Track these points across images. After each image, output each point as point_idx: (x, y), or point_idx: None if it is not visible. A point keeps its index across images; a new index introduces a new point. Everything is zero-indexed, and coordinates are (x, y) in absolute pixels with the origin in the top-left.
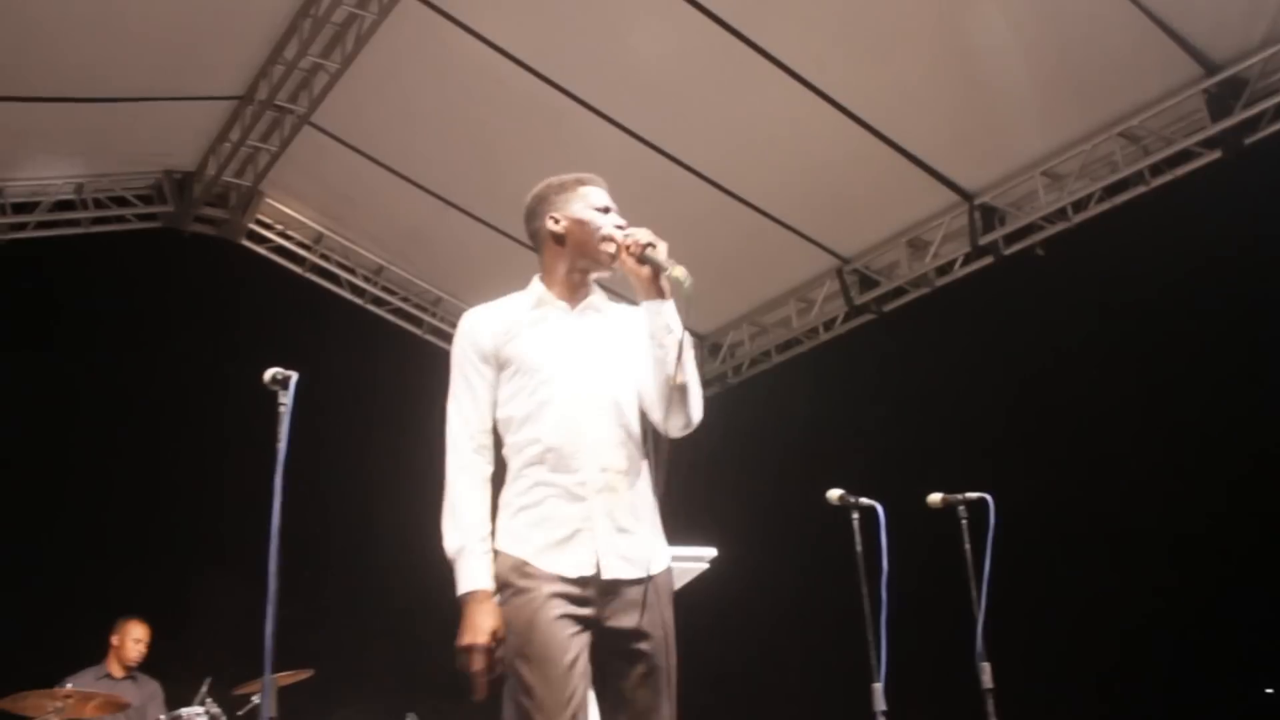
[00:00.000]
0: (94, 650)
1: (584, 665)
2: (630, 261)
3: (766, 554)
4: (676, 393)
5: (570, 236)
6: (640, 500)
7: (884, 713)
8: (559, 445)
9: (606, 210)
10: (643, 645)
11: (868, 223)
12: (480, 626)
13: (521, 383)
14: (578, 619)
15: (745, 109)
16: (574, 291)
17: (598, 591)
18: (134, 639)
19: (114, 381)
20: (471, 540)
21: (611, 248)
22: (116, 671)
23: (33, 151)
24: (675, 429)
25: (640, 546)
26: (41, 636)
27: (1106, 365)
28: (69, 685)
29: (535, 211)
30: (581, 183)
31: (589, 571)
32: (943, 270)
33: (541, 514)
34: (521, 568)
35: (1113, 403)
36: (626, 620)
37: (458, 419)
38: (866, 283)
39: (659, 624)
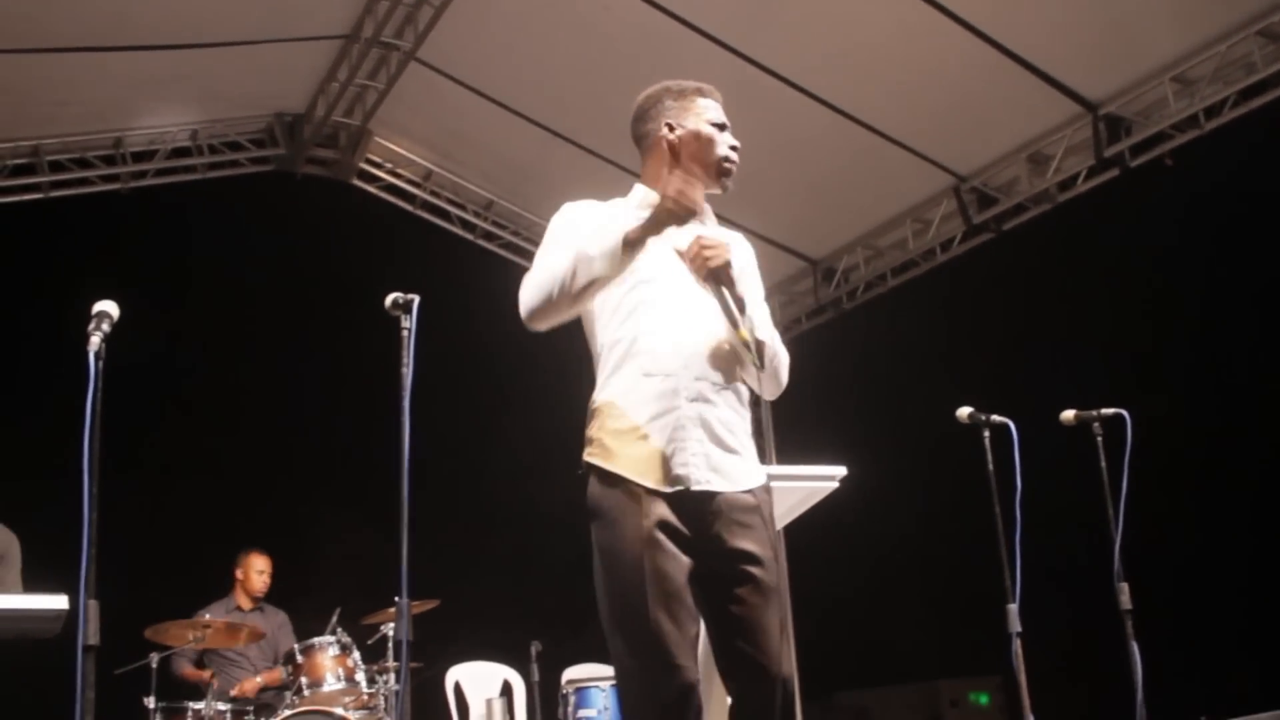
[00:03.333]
0: (222, 583)
1: (688, 599)
2: (696, 269)
3: (891, 475)
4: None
5: (685, 147)
6: (737, 418)
7: (1019, 634)
8: (653, 348)
9: (723, 127)
10: (749, 566)
11: (986, 138)
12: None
13: (618, 279)
14: (678, 540)
15: (855, 22)
16: None
17: (695, 507)
18: (257, 570)
19: (235, 320)
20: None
21: (728, 171)
22: (245, 603)
23: (148, 100)
24: (767, 395)
25: (735, 461)
26: (173, 569)
27: (1239, 281)
28: (206, 616)
29: (648, 114)
30: (701, 93)
31: (681, 486)
32: (1065, 185)
33: (632, 424)
34: (614, 484)
35: (1248, 319)
36: (728, 536)
37: (537, 265)
38: (985, 201)
39: (765, 542)
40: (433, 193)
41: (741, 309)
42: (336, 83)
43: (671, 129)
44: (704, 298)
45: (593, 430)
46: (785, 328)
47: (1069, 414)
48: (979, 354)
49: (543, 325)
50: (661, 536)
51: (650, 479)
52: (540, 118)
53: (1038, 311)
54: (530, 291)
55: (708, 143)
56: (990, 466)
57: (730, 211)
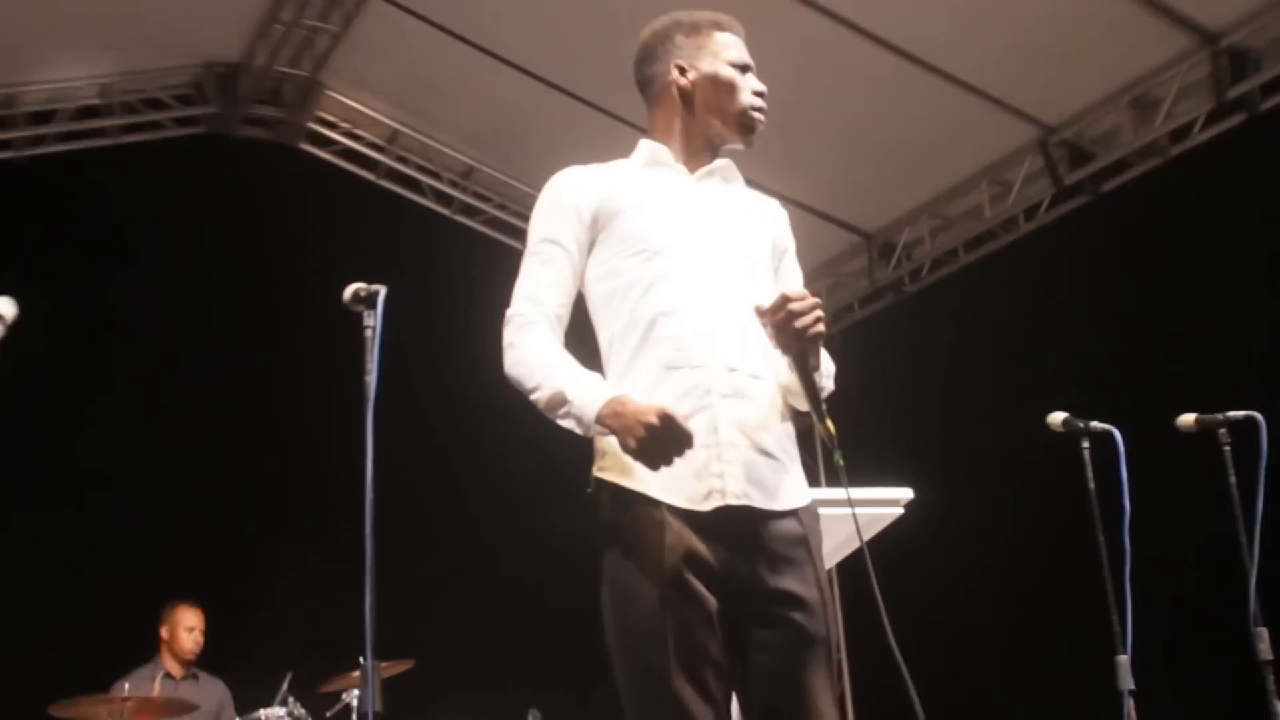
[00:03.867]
0: (146, 646)
1: (718, 655)
2: (780, 337)
3: (968, 497)
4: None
5: (699, 95)
6: (777, 419)
7: (1132, 692)
8: (676, 335)
9: (746, 69)
10: (792, 612)
11: (1078, 79)
12: (643, 409)
13: (625, 254)
14: (706, 576)
15: None
16: (693, 157)
17: (730, 530)
18: (186, 627)
19: (156, 318)
20: (565, 372)
21: (756, 122)
22: (175, 670)
23: (49, 49)
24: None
25: (778, 473)
26: (87, 630)
27: None
28: (125, 688)
29: (654, 54)
30: (718, 26)
31: (721, 501)
32: (1178, 135)
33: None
34: (628, 501)
35: None
36: (768, 572)
37: (522, 296)
38: (1079, 156)
39: (812, 581)
40: (399, 158)
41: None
42: (280, 25)
43: (682, 72)
44: (732, 269)
45: (603, 440)
46: (835, 316)
47: (1189, 418)
48: (1074, 346)
49: None
50: (689, 576)
51: (677, 495)
52: (530, 64)
53: (1146, 293)
54: (511, 367)
55: (727, 88)
56: (1091, 485)
57: (762, 174)
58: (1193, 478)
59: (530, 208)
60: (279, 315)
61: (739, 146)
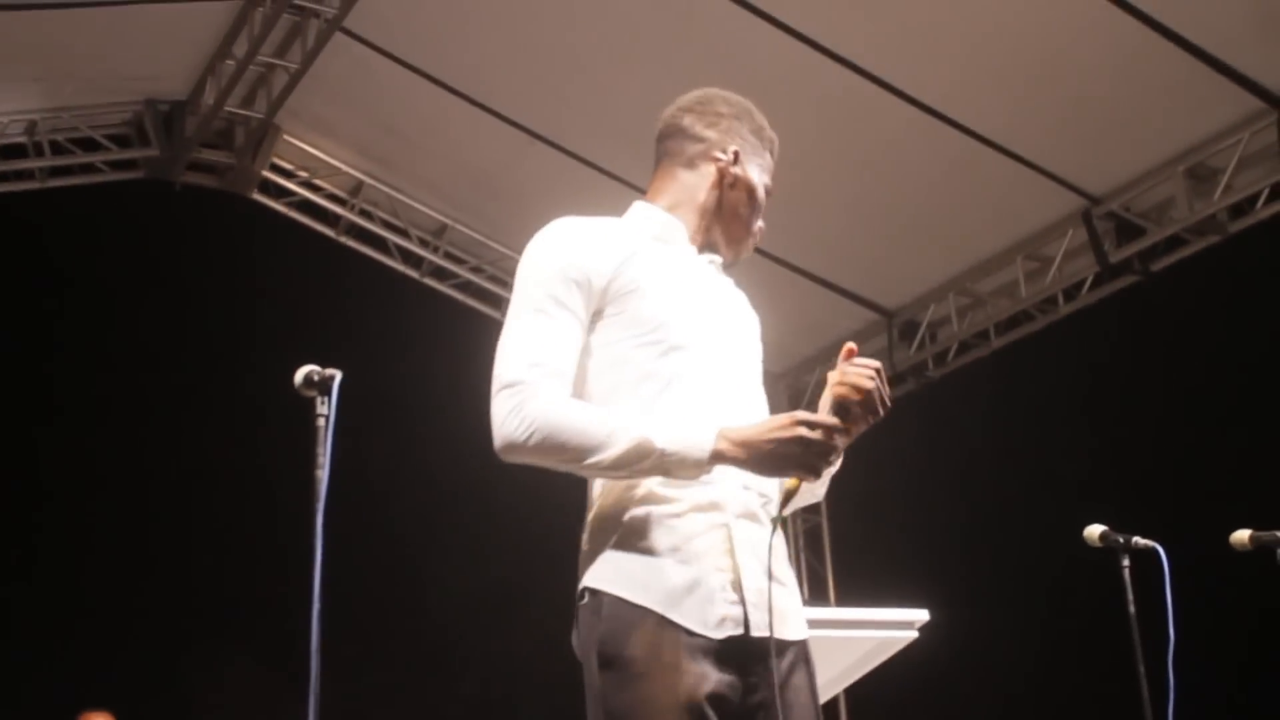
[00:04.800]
0: None
1: None
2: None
3: (993, 616)
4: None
5: (733, 192)
6: (781, 544)
7: None
8: None
9: (768, 194)
10: None
11: (1128, 145)
12: (777, 423)
13: (637, 342)
14: (716, 703)
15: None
16: (697, 238)
17: (743, 658)
18: None
19: (84, 389)
20: (632, 417)
21: (748, 245)
22: None
23: None
24: None
25: (791, 601)
26: None
27: None
28: None
29: (718, 121)
30: (772, 149)
31: (734, 630)
32: (1239, 210)
33: (664, 541)
34: (636, 624)
35: None
36: (781, 709)
37: (522, 360)
38: (1127, 230)
39: (811, 709)
40: (363, 212)
41: None
42: (232, 60)
43: (736, 159)
44: (745, 374)
45: (599, 544)
46: None
47: (1243, 535)
48: (1116, 446)
49: (517, 461)
50: (706, 709)
51: (693, 619)
52: (512, 112)
53: (1199, 388)
54: (536, 443)
55: (753, 206)
56: (1132, 608)
57: (779, 246)
58: (1246, 602)
59: (511, 271)
60: (224, 388)
61: (723, 258)
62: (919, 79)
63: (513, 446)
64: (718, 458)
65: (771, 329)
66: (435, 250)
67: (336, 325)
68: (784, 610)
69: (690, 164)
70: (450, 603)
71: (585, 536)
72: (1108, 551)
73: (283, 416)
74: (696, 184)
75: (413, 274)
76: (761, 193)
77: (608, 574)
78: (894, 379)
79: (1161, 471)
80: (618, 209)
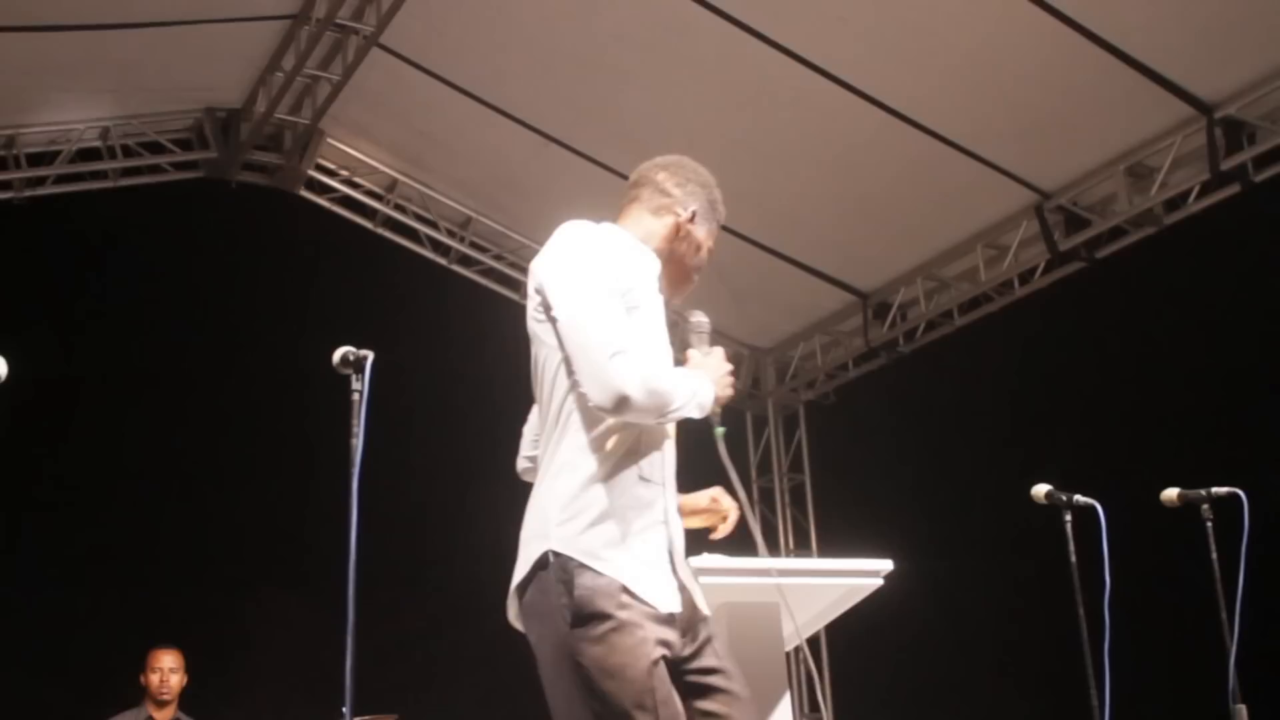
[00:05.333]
0: (134, 690)
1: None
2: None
3: (951, 567)
4: None
5: (682, 244)
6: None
7: None
8: (649, 451)
9: (710, 253)
10: (725, 682)
11: (1074, 146)
12: (718, 363)
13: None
14: (670, 665)
15: (911, 4)
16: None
17: (680, 628)
18: (166, 668)
19: (148, 365)
20: (683, 378)
21: (682, 295)
22: (158, 713)
23: (49, 92)
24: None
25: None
26: (76, 673)
27: None
28: None
29: (685, 185)
30: (722, 215)
31: (677, 607)
32: (1173, 204)
33: (633, 528)
34: (619, 596)
35: None
36: (707, 658)
37: (615, 332)
38: (1074, 222)
39: (731, 658)
40: (398, 207)
41: None
42: (281, 72)
43: (693, 219)
44: None
45: (584, 527)
46: (829, 375)
47: (1172, 493)
48: (1064, 413)
49: (628, 417)
50: (665, 657)
51: (654, 598)
52: (528, 117)
53: (1137, 362)
54: (655, 391)
55: (696, 260)
56: (1073, 558)
57: (764, 234)
58: (1175, 552)
59: (527, 259)
60: (273, 365)
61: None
62: (890, 87)
63: (626, 401)
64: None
65: (760, 309)
66: (461, 240)
67: (373, 307)
68: (694, 585)
69: (655, 212)
70: (475, 551)
71: (573, 519)
72: (1052, 508)
73: (324, 390)
74: (656, 230)
75: (441, 261)
76: (704, 252)
77: (589, 548)
78: (869, 354)
79: (1103, 436)
80: (619, 202)
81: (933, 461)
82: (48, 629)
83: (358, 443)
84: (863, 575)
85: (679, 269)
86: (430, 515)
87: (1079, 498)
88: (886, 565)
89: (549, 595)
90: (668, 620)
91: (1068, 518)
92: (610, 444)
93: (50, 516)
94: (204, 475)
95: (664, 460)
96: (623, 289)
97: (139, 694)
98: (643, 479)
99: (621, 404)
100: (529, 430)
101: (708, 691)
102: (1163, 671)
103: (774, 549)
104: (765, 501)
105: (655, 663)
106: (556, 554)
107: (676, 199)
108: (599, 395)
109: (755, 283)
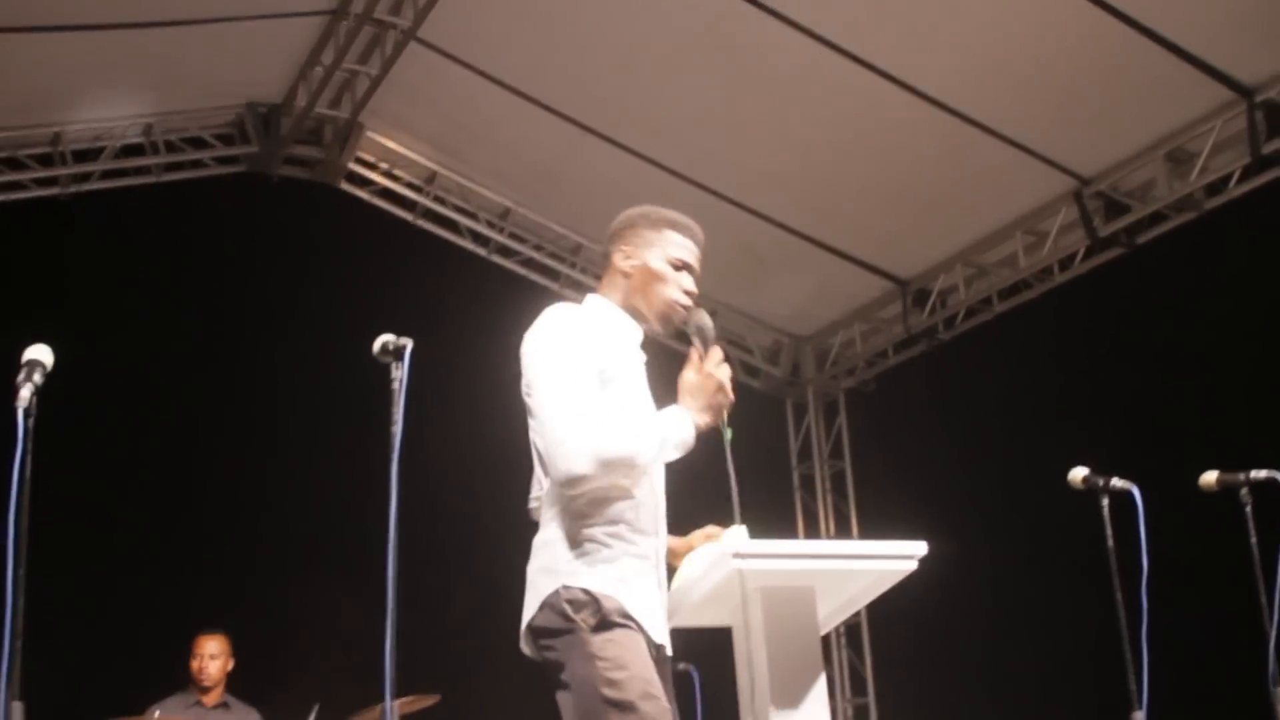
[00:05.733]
0: (183, 675)
1: None
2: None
3: (988, 550)
4: None
5: (633, 280)
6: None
7: None
8: (636, 502)
9: (681, 266)
10: None
11: (1114, 132)
12: (706, 379)
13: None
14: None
15: None
16: (635, 317)
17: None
18: (207, 655)
19: (196, 356)
20: (651, 422)
21: (675, 315)
22: (205, 697)
23: (93, 89)
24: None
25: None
26: (125, 658)
27: None
28: (156, 714)
29: (614, 235)
30: (674, 226)
31: (660, 641)
32: (1214, 189)
33: (624, 570)
34: (624, 614)
35: None
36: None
37: (569, 414)
38: (1114, 208)
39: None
40: (437, 199)
41: None
42: (320, 67)
43: (626, 257)
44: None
45: (577, 556)
46: (869, 362)
47: (1211, 477)
48: (1103, 399)
49: (586, 490)
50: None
51: (647, 625)
52: (566, 108)
53: (1177, 347)
54: (605, 460)
55: (657, 280)
56: (1110, 542)
57: (803, 222)
58: (1214, 537)
59: (566, 250)
60: (315, 354)
61: (659, 332)
62: (929, 74)
63: (580, 479)
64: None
65: (799, 297)
66: (501, 231)
67: (414, 298)
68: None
69: (608, 273)
70: (514, 535)
71: (566, 551)
72: (1090, 492)
73: (367, 380)
74: (624, 288)
75: (481, 252)
76: (662, 263)
77: (587, 576)
78: (908, 341)
79: (1142, 421)
80: (658, 193)
81: (972, 447)
82: (98, 615)
83: (397, 430)
84: (897, 558)
85: (650, 304)
86: (472, 503)
87: (1116, 481)
88: (921, 548)
89: (564, 618)
90: (655, 651)
91: (1105, 501)
92: (587, 502)
93: (98, 504)
94: (251, 462)
95: (644, 506)
96: (598, 367)
97: (189, 678)
98: (632, 528)
99: (576, 482)
100: (538, 472)
101: None
102: (1201, 655)
103: (815, 536)
104: (806, 488)
105: (653, 664)
106: (567, 586)
107: (624, 254)
108: (555, 476)
109: (795, 270)
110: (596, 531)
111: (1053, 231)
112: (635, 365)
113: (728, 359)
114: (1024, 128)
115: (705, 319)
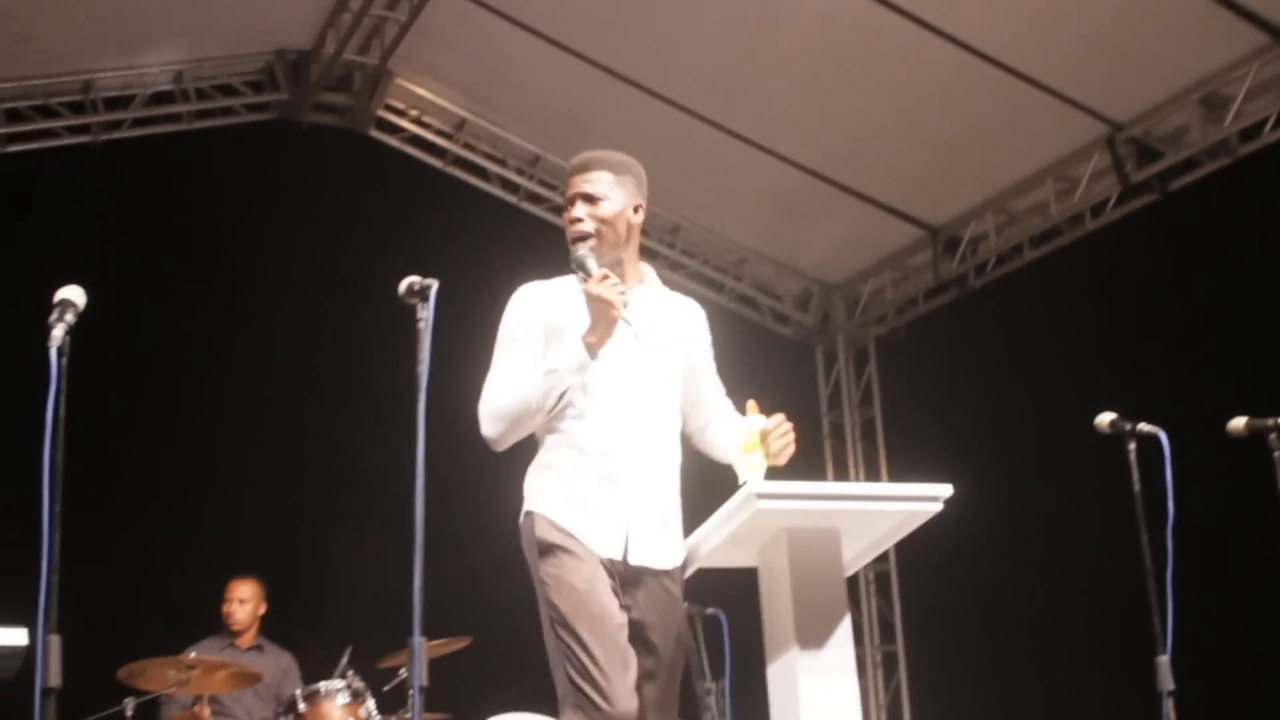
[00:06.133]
0: (217, 619)
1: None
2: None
3: (1014, 494)
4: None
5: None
6: (669, 492)
7: (1171, 693)
8: (594, 430)
9: (568, 202)
10: (654, 638)
11: (1146, 76)
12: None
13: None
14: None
15: None
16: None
17: (622, 577)
18: (237, 600)
19: (226, 303)
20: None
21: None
22: (240, 640)
23: (124, 37)
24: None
25: (666, 538)
26: (161, 600)
27: None
28: (192, 655)
29: None
30: (569, 170)
31: (618, 555)
32: (1248, 134)
33: (578, 490)
34: (566, 531)
35: None
36: (643, 613)
37: (504, 388)
38: (1146, 154)
39: (673, 622)
40: (467, 145)
41: None
42: (349, 13)
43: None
44: (643, 370)
45: (536, 482)
46: (899, 309)
47: (1239, 422)
48: (1135, 346)
49: (506, 445)
50: (608, 583)
51: (594, 544)
52: (595, 54)
53: (1209, 294)
54: (498, 417)
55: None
56: (1137, 486)
57: (832, 169)
58: (1242, 482)
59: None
60: (346, 301)
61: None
62: (959, 20)
63: (491, 439)
64: (588, 347)
65: (828, 243)
66: (530, 178)
67: (443, 245)
68: (656, 545)
69: None
70: None
71: (527, 476)
72: (1117, 437)
73: (400, 325)
74: None
75: (511, 199)
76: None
77: (540, 500)
78: (939, 288)
79: (1172, 367)
80: (686, 139)
81: (1003, 396)
82: (135, 557)
83: (423, 370)
84: (922, 500)
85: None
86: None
87: (1143, 426)
88: (946, 490)
89: (526, 546)
90: (606, 565)
91: (1132, 446)
92: (545, 431)
93: (134, 447)
94: (280, 407)
95: (602, 425)
96: (540, 325)
97: (219, 622)
98: (585, 451)
99: (491, 442)
100: None
101: (641, 645)
102: (1227, 601)
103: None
104: (835, 436)
105: (597, 579)
106: (527, 513)
107: None
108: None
109: (824, 217)
110: (550, 457)
111: (1084, 178)
112: (570, 313)
113: (609, 278)
114: (1056, 73)
115: (580, 251)
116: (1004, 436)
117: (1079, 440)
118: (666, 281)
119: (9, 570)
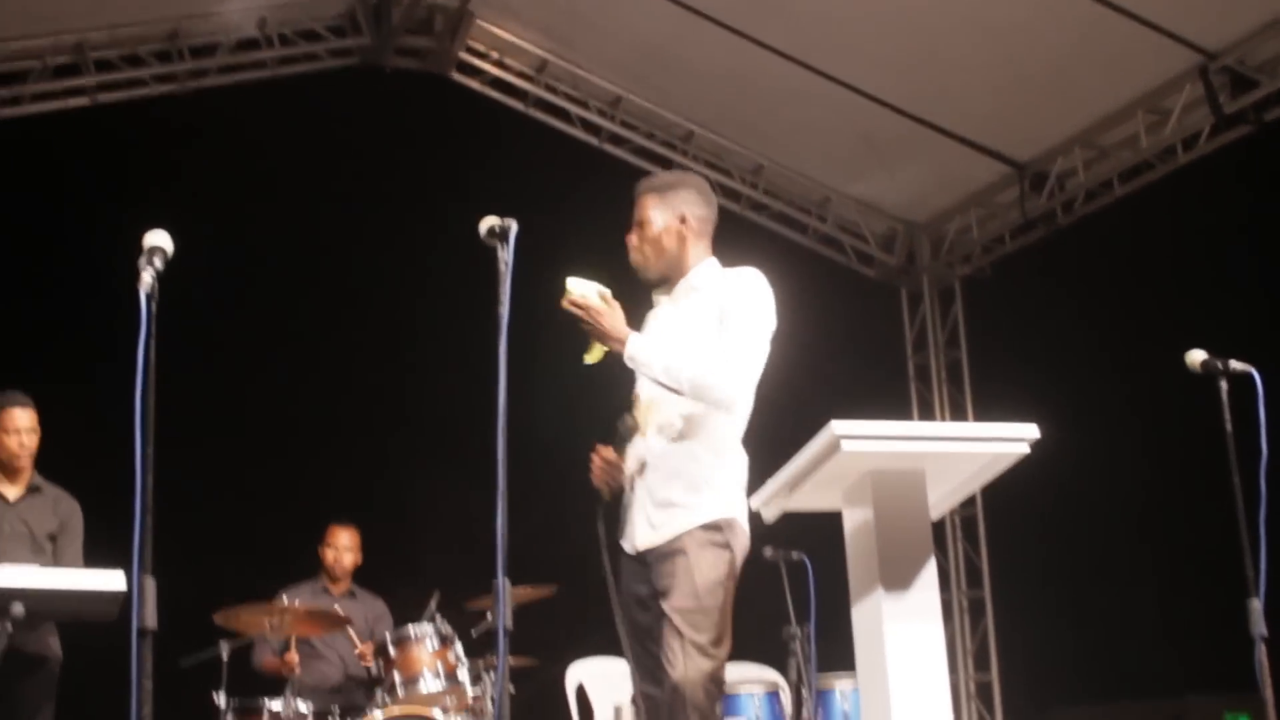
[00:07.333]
0: (312, 564)
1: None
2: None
3: (1103, 434)
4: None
5: None
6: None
7: (1264, 637)
8: None
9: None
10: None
11: (1241, 3)
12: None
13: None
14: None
15: None
16: None
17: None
18: (342, 547)
19: (315, 248)
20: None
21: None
22: (334, 586)
23: None
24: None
25: (642, 511)
26: (255, 544)
27: None
28: (285, 599)
29: None
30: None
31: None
32: None
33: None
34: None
35: None
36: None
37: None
38: (1241, 84)
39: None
40: (548, 87)
41: None
42: None
43: None
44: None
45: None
46: (985, 248)
47: None
48: (1226, 283)
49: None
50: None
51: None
52: None
53: None
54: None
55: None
56: (1229, 426)
57: (917, 105)
58: None
59: (678, 137)
60: (433, 245)
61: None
62: None
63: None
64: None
65: (914, 182)
66: (612, 119)
67: (526, 187)
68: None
69: None
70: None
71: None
72: (1209, 376)
73: (479, 260)
74: None
75: (593, 141)
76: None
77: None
78: (1025, 226)
79: (1264, 304)
80: (771, 78)
81: (1092, 335)
82: (229, 502)
83: (504, 310)
84: (1007, 440)
85: None
86: (585, 395)
87: (1235, 364)
88: (1032, 431)
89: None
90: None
91: (1223, 385)
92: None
93: (228, 395)
94: (367, 354)
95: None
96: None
97: (315, 565)
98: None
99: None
100: None
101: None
102: None
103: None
104: (921, 378)
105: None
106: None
107: None
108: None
109: (908, 155)
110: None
111: (1176, 110)
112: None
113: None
114: (1146, 1)
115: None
116: (1092, 377)
117: (1168, 381)
118: (747, 225)
119: (113, 515)
